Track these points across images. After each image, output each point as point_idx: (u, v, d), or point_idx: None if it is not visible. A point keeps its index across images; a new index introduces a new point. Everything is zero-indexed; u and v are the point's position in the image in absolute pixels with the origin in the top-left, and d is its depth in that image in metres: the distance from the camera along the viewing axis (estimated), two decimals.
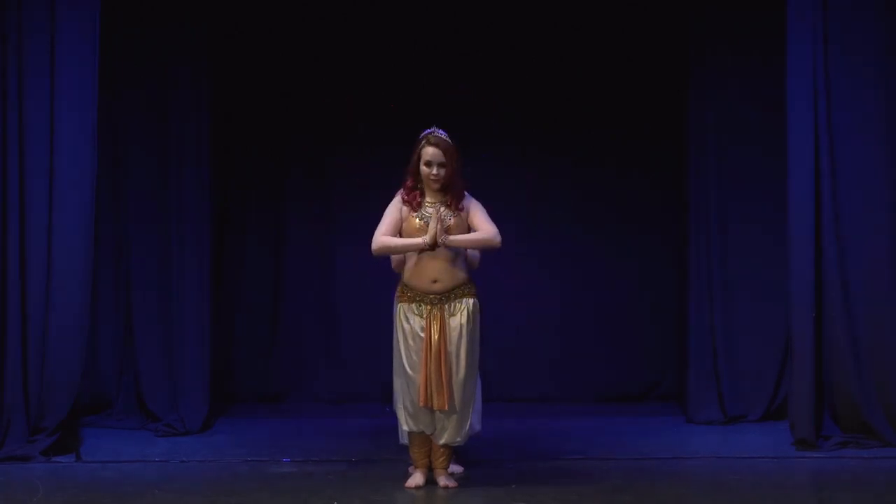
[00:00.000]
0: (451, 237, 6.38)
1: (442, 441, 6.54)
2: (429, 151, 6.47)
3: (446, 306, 6.47)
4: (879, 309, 7.49)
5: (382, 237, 6.46)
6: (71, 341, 7.37)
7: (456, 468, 6.81)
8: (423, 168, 6.48)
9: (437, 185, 6.48)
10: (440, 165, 6.46)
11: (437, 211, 6.44)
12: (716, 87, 8.32)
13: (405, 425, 6.58)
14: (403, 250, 6.50)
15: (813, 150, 7.43)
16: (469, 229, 6.51)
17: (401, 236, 6.51)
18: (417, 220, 6.45)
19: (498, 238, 6.45)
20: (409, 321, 6.49)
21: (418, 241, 6.40)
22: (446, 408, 6.43)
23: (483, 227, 6.46)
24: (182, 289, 8.19)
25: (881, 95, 7.46)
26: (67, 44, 7.34)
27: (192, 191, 8.19)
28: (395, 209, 6.52)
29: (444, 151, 6.46)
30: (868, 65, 7.46)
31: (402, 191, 6.56)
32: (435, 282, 6.46)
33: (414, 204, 6.50)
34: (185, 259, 8.20)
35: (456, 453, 6.81)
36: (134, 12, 8.18)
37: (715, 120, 8.33)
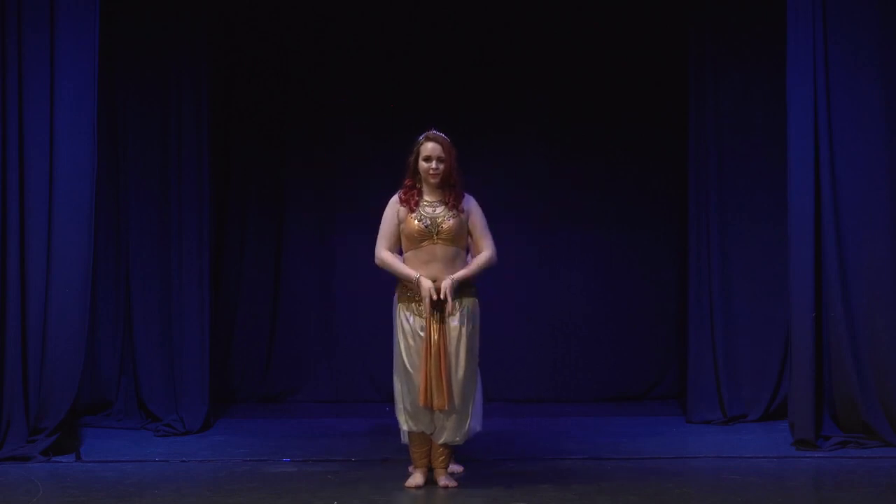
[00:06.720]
0: (453, 279, 6.41)
1: (441, 440, 6.54)
2: (428, 147, 6.53)
3: (446, 306, 6.47)
4: (879, 309, 7.48)
5: (384, 253, 6.54)
6: (71, 341, 7.37)
7: (456, 468, 6.81)
8: (423, 163, 6.52)
9: (435, 180, 6.51)
10: (439, 160, 6.51)
11: (432, 286, 6.42)
12: (716, 86, 8.32)
13: (405, 425, 6.58)
14: (399, 276, 6.54)
15: (813, 150, 7.43)
16: (468, 232, 6.56)
17: (399, 239, 6.55)
18: (416, 222, 6.47)
19: (495, 257, 6.60)
20: (409, 321, 6.49)
21: (413, 276, 6.43)
22: (446, 408, 6.43)
23: (480, 245, 6.55)
24: (182, 289, 8.19)
25: (882, 95, 7.46)
26: (67, 44, 7.33)
27: (191, 190, 8.19)
28: (391, 215, 6.57)
29: (443, 146, 6.51)
30: (868, 64, 7.46)
31: (399, 192, 6.58)
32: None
33: (412, 204, 6.52)
34: (185, 259, 8.20)
35: (456, 453, 6.81)
36: (134, 12, 8.18)
37: (715, 120, 8.34)
